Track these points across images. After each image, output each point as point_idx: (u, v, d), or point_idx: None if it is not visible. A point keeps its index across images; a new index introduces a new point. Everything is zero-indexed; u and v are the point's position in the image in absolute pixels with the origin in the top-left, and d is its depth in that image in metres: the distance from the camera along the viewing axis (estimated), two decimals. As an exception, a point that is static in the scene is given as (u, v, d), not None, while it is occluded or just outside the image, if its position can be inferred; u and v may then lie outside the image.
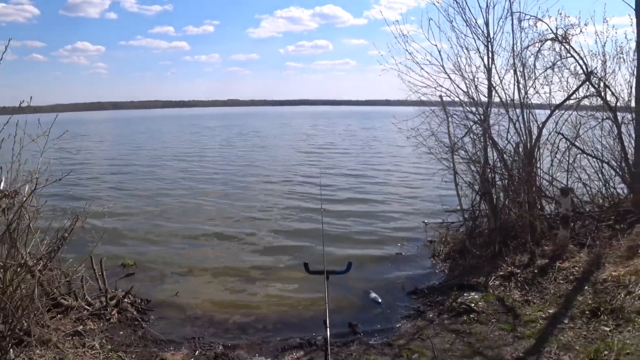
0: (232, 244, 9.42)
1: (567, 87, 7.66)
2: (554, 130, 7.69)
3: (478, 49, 7.40)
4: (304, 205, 12.61)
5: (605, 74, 7.68)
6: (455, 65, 7.51)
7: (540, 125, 7.40)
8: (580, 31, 7.39)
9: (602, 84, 7.63)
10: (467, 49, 7.43)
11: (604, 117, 7.87)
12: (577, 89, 7.48)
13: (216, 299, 6.73)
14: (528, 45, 7.48)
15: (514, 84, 7.48)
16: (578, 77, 7.61)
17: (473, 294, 6.00)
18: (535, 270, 6.20)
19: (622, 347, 4.00)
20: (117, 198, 14.02)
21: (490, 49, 7.37)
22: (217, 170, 20.15)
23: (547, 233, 7.14)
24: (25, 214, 4.67)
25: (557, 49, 7.58)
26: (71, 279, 5.69)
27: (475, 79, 7.50)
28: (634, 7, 7.48)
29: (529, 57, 7.53)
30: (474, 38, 7.38)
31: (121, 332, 5.45)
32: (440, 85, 7.57)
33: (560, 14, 7.43)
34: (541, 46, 7.51)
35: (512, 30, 7.40)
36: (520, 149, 7.42)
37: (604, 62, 7.65)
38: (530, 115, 7.48)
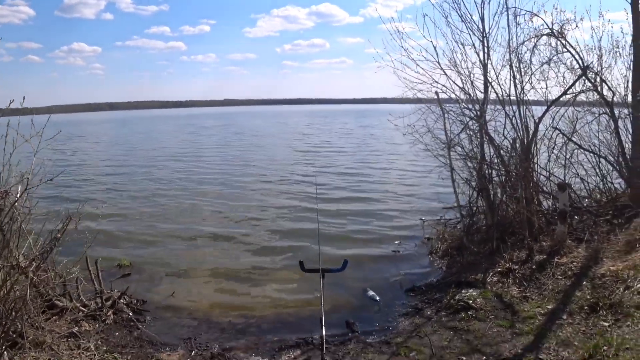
0: (229, 244, 9.38)
1: (563, 82, 7.64)
2: (551, 125, 7.67)
3: (474, 45, 7.39)
4: (300, 205, 12.56)
5: (602, 69, 7.67)
6: (450, 61, 7.51)
7: (537, 121, 7.37)
8: (576, 26, 7.37)
9: (598, 79, 7.60)
10: (462, 44, 7.42)
11: (601, 111, 7.85)
12: (574, 84, 7.44)
13: (212, 299, 6.69)
14: (524, 41, 7.47)
15: (510, 80, 7.47)
16: (574, 72, 7.58)
17: (471, 290, 5.98)
18: (533, 266, 6.17)
19: (621, 342, 3.97)
20: (113, 199, 13.95)
21: (485, 44, 7.34)
22: (214, 170, 20.09)
23: (544, 229, 7.12)
24: (17, 215, 4.62)
25: (553, 44, 7.56)
26: (66, 280, 5.64)
27: (471, 75, 7.49)
28: (629, 1, 7.46)
29: (525, 52, 7.52)
30: (469, 33, 7.38)
31: (117, 333, 5.41)
32: (436, 82, 7.57)
33: (556, 8, 7.40)
34: (537, 41, 7.49)
35: (508, 26, 7.40)
36: (517, 145, 7.40)
37: (600, 57, 7.63)
38: (527, 110, 7.45)
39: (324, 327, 2.86)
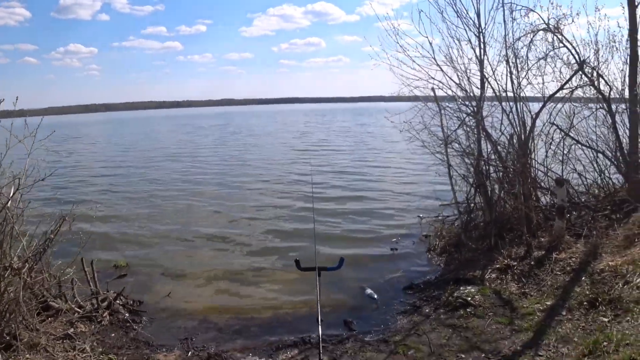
0: (225, 244, 9.33)
1: (560, 77, 7.60)
2: (548, 121, 7.64)
3: (470, 40, 7.37)
4: (297, 205, 12.49)
5: (599, 63, 7.64)
6: (447, 57, 7.48)
7: (534, 116, 7.34)
8: (572, 21, 7.36)
9: (595, 73, 7.57)
10: (458, 40, 7.40)
11: (598, 106, 7.82)
12: (570, 79, 7.42)
13: (209, 300, 6.65)
14: (520, 37, 7.44)
15: (507, 75, 7.45)
16: (571, 67, 7.55)
17: (469, 287, 5.94)
18: (532, 262, 6.15)
19: (621, 338, 3.93)
20: (109, 200, 13.88)
21: (482, 40, 7.33)
22: (211, 170, 20.02)
23: (543, 224, 7.09)
24: (9, 216, 4.58)
25: (550, 39, 7.53)
26: (61, 282, 5.60)
27: (468, 71, 7.47)
28: (626, -4, 7.43)
29: (522, 47, 7.49)
30: (465, 29, 7.36)
31: (113, 334, 5.38)
32: (432, 78, 7.54)
33: (552, 3, 7.41)
34: (533, 36, 7.47)
35: (504, 21, 7.38)
36: (515, 141, 7.37)
37: (597, 51, 7.61)
38: (524, 106, 7.42)
39: (320, 326, 2.83)
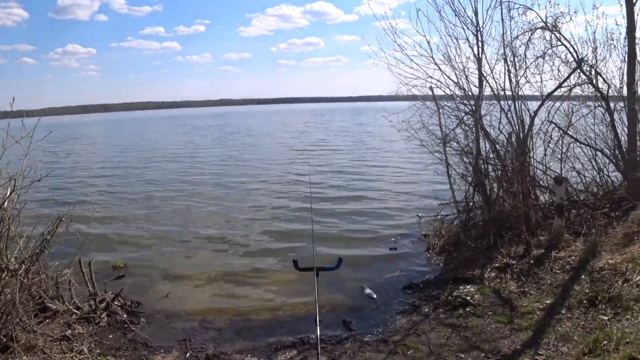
0: (224, 245, 9.29)
1: (558, 75, 7.59)
2: (547, 119, 7.63)
3: (467, 39, 7.35)
4: (296, 205, 12.42)
5: (597, 61, 7.64)
6: (444, 55, 7.46)
7: (533, 115, 7.33)
8: (570, 19, 7.35)
9: (593, 71, 7.56)
10: (456, 38, 7.39)
11: (596, 104, 7.81)
12: (569, 77, 7.41)
13: (208, 301, 6.62)
14: (518, 35, 7.42)
15: (505, 74, 7.44)
16: (569, 65, 7.54)
17: (469, 286, 5.93)
18: (531, 261, 6.13)
19: (621, 336, 3.91)
20: (107, 201, 13.82)
21: (480, 38, 7.31)
22: (209, 170, 19.96)
23: (542, 223, 7.08)
24: (6, 217, 4.55)
25: (548, 38, 7.53)
26: (59, 283, 5.57)
27: (466, 70, 7.45)
28: (624, -8, 7.42)
29: (520, 46, 7.48)
30: (463, 28, 7.34)
31: (110, 336, 5.35)
32: (430, 77, 7.52)
33: (550, 2, 7.40)
34: (531, 35, 7.46)
35: (502, 20, 7.37)
36: (513, 139, 7.35)
37: (595, 49, 7.61)
38: (522, 104, 7.40)
39: (318, 327, 2.81)
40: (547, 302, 5.15)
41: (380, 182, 15.69)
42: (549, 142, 7.78)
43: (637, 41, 7.48)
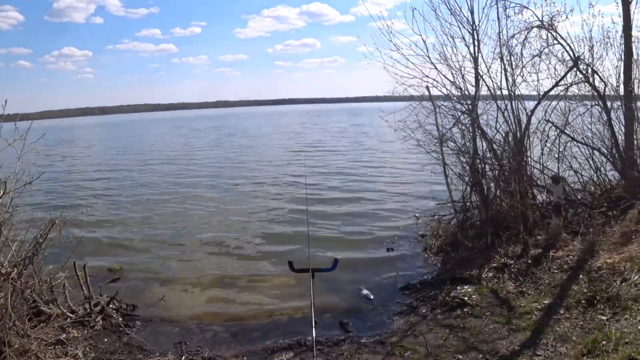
0: (220, 248, 9.23)
1: (555, 74, 7.57)
2: (543, 118, 7.60)
3: (464, 38, 7.31)
4: (292, 207, 12.35)
5: (593, 60, 7.62)
6: (441, 55, 7.41)
7: (529, 114, 7.31)
8: (566, 17, 7.33)
9: (590, 70, 7.55)
10: (452, 37, 7.34)
11: (593, 103, 7.80)
12: (565, 75, 7.38)
13: (204, 304, 6.59)
14: (514, 34, 7.40)
15: (502, 73, 7.40)
16: (566, 63, 7.52)
17: (466, 287, 5.90)
18: (529, 261, 6.10)
19: (620, 337, 3.88)
20: (102, 205, 13.75)
21: (476, 37, 7.27)
22: (205, 173, 19.83)
23: (539, 222, 7.05)
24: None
25: (544, 36, 7.50)
26: (53, 287, 5.53)
27: (462, 69, 7.41)
28: (620, -11, 7.41)
29: (516, 45, 7.45)
30: (459, 26, 7.30)
31: (105, 339, 5.31)
32: (426, 76, 7.47)
33: (546, 0, 7.36)
34: (527, 34, 7.43)
35: (498, 18, 7.33)
36: (510, 138, 7.32)
37: (591, 48, 7.59)
38: (519, 103, 7.38)
39: (314, 329, 2.78)
40: (545, 302, 5.12)
41: (377, 183, 15.65)
42: (546, 141, 7.76)
43: (633, 39, 7.48)
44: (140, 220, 11.71)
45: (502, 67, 7.38)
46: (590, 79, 7.56)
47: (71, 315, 5.47)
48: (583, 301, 4.85)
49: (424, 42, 7.33)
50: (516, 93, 7.40)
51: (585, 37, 7.57)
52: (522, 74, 7.43)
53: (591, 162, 7.97)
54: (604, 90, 7.62)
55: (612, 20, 7.61)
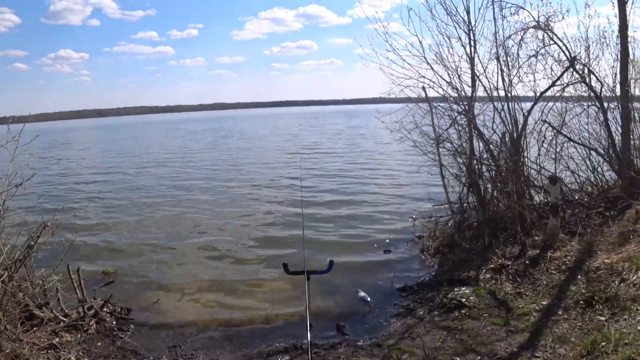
0: (215, 251, 9.15)
1: (551, 74, 7.54)
2: (540, 118, 7.57)
3: (460, 38, 7.30)
4: (288, 210, 12.26)
5: (590, 60, 7.60)
6: (437, 55, 7.40)
7: (526, 114, 7.28)
8: (563, 18, 7.32)
9: (586, 70, 7.53)
10: (448, 37, 7.32)
11: (590, 103, 7.78)
12: (562, 76, 7.37)
13: (199, 307, 6.53)
14: (511, 34, 7.37)
15: (498, 73, 7.38)
16: (562, 64, 7.50)
17: (464, 288, 5.85)
18: (527, 262, 6.07)
19: (619, 338, 3.84)
20: (97, 208, 13.67)
21: (472, 37, 7.25)
22: (201, 175, 19.73)
23: (537, 223, 7.03)
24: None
25: (540, 37, 7.48)
26: (46, 290, 5.47)
27: (458, 69, 7.39)
28: (616, -11, 7.40)
29: (512, 45, 7.42)
30: (455, 27, 7.29)
31: (99, 343, 5.25)
32: (422, 77, 7.45)
33: (542, 1, 7.36)
34: (524, 34, 7.41)
35: (494, 19, 7.32)
36: (507, 139, 7.30)
37: (588, 48, 7.57)
38: (516, 104, 7.35)
39: (309, 332, 2.73)
40: (544, 303, 5.09)
41: (373, 185, 15.59)
42: (543, 141, 7.75)
43: (629, 39, 7.48)
44: (135, 223, 11.62)
45: (499, 67, 7.37)
46: (587, 79, 7.55)
47: (64, 319, 5.40)
48: (581, 302, 4.82)
49: (420, 42, 7.33)
50: (513, 93, 7.39)
51: (582, 38, 7.56)
52: (518, 75, 7.42)
53: (588, 163, 7.96)
54: (601, 90, 7.62)
55: (608, 20, 7.63)
